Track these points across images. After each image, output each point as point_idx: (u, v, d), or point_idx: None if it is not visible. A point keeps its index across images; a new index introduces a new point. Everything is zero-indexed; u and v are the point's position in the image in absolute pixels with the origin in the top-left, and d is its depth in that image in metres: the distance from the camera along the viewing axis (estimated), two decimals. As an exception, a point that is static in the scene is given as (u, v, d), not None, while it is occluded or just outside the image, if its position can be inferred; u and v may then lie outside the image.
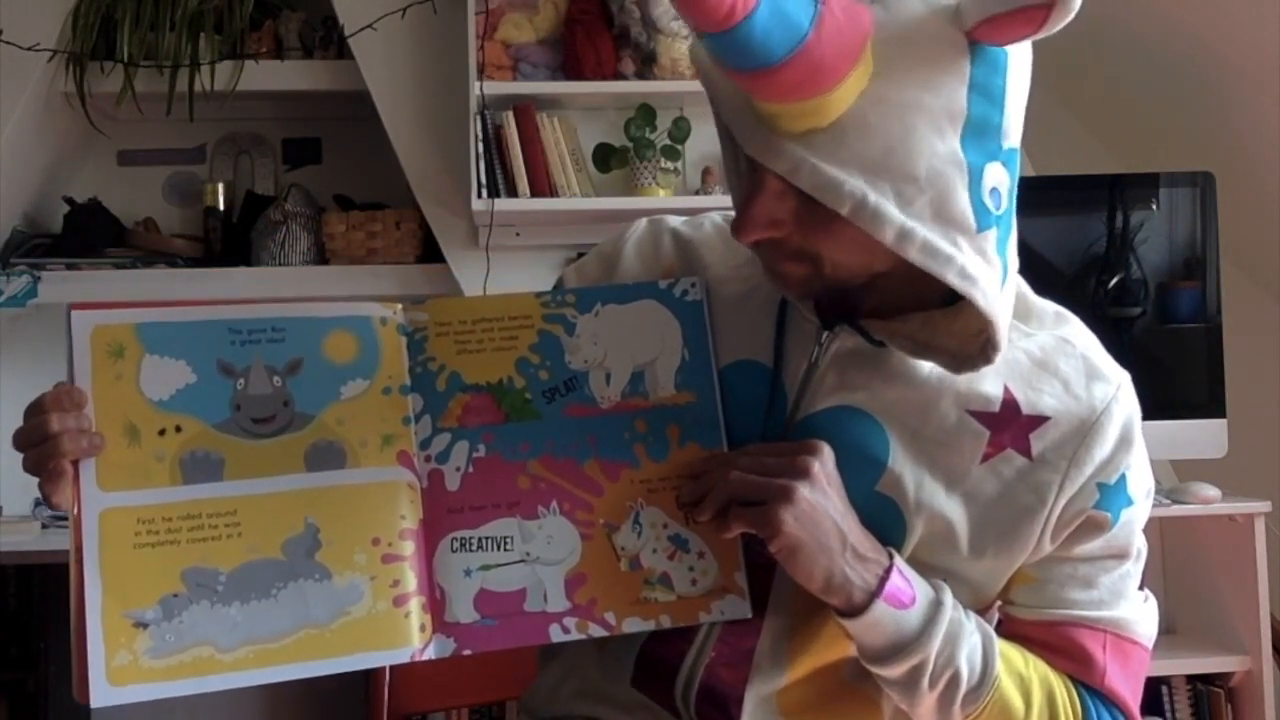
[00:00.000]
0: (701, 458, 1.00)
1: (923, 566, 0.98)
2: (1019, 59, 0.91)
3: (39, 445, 0.91)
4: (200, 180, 3.04)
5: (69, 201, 2.90)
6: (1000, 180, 0.90)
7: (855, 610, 0.93)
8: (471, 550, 0.97)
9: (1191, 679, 2.53)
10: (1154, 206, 2.54)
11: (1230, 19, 2.42)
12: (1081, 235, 2.55)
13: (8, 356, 2.84)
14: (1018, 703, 0.99)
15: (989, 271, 0.89)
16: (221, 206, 2.98)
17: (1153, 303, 2.54)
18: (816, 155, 0.85)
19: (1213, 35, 2.48)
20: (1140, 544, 1.03)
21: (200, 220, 3.00)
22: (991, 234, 0.89)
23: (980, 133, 0.88)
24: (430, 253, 2.86)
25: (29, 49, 2.66)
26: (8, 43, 2.66)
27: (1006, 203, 0.91)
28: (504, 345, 1.02)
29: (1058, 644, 1.02)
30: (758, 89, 0.84)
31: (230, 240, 2.94)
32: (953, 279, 0.87)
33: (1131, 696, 1.03)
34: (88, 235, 2.86)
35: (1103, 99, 2.90)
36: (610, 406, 1.01)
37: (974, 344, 0.94)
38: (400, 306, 1.02)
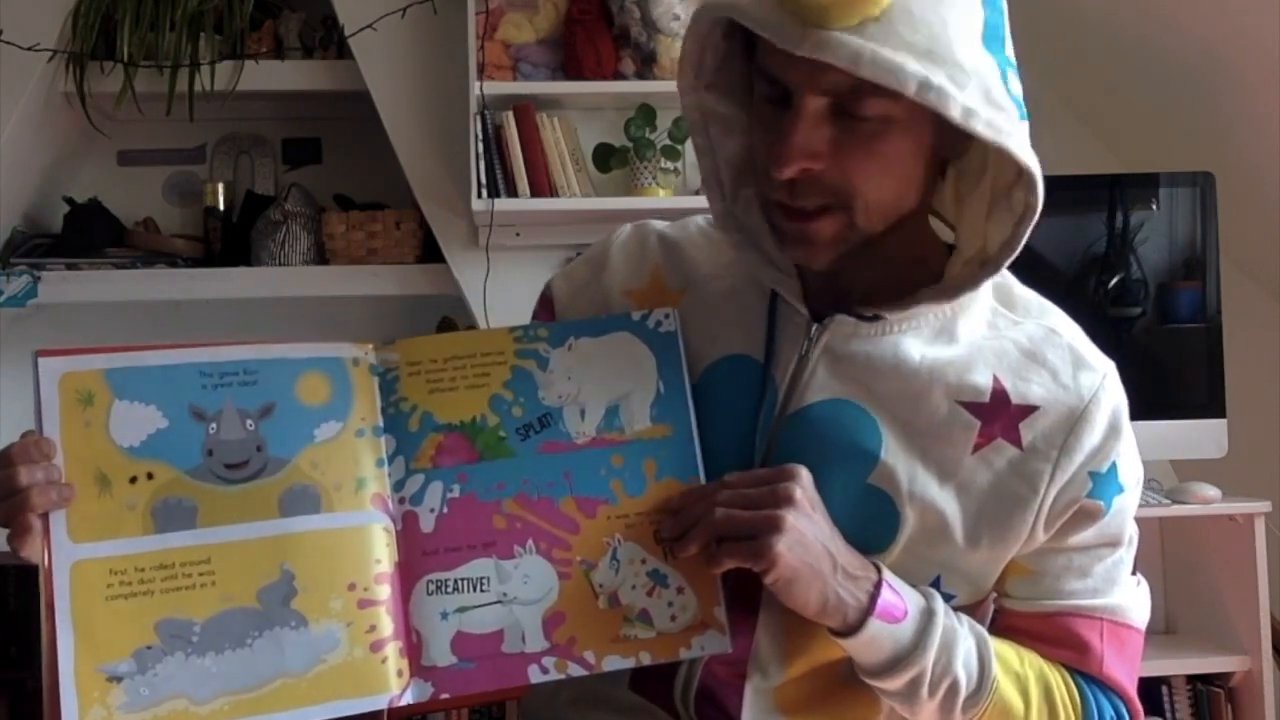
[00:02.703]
0: (680, 492, 0.99)
1: (919, 560, 0.98)
2: None
3: (7, 499, 0.90)
4: (200, 180, 3.04)
5: (69, 201, 2.90)
6: (1018, 88, 0.94)
7: (850, 629, 0.94)
8: (448, 592, 0.97)
9: (1191, 679, 2.52)
10: (1154, 206, 2.54)
11: (1230, 19, 2.41)
12: (1081, 235, 2.54)
13: (8, 356, 2.83)
14: (1017, 702, 0.99)
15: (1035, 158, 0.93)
16: (221, 206, 2.97)
17: (1153, 303, 2.53)
18: (874, 42, 0.87)
19: (1213, 35, 2.48)
20: (1132, 531, 1.04)
21: (200, 220, 3.00)
22: (1027, 126, 0.92)
23: (995, 38, 0.92)
24: (430, 253, 2.86)
25: (29, 49, 2.66)
26: (8, 43, 2.66)
27: (1026, 111, 0.94)
28: (476, 383, 1.01)
29: (1055, 634, 1.02)
30: None
31: (230, 240, 2.94)
32: (1018, 152, 0.90)
33: (1129, 681, 1.04)
34: (88, 235, 2.86)
35: (1103, 99, 2.90)
36: (585, 442, 1.00)
37: (1031, 210, 0.95)
38: (371, 346, 1.01)
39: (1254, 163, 2.60)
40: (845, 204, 0.94)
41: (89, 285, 2.83)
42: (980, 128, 0.88)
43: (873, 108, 0.90)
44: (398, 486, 0.98)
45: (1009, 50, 0.94)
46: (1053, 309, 1.07)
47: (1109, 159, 2.90)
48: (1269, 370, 2.84)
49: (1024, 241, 0.96)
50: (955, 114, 0.88)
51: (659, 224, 1.16)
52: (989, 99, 0.89)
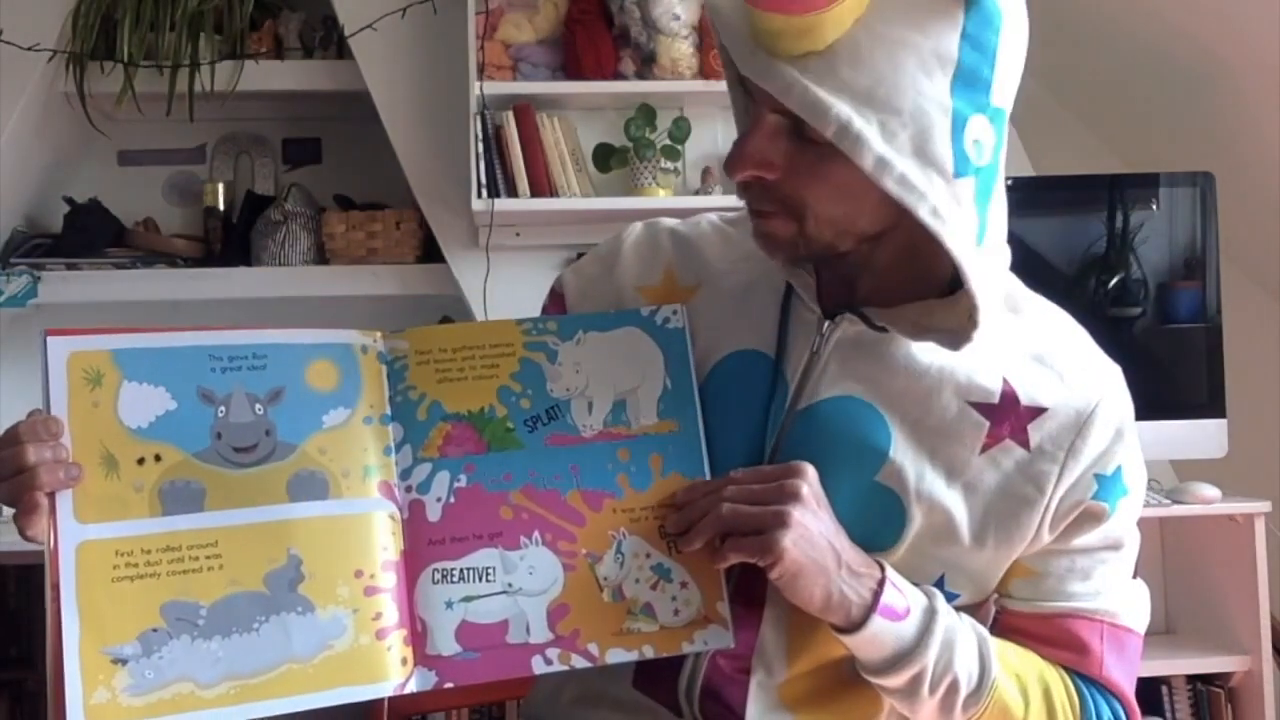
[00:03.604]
0: (685, 487, 0.99)
1: (924, 558, 0.99)
2: (1014, 24, 0.93)
3: (13, 478, 0.89)
4: (200, 180, 3.04)
5: (69, 201, 2.90)
6: (984, 135, 0.91)
7: (853, 626, 0.94)
8: (453, 582, 0.97)
9: (1191, 679, 2.52)
10: (1154, 206, 2.54)
11: (1230, 20, 2.42)
12: (1081, 235, 2.54)
13: (8, 356, 2.84)
14: (1017, 702, 0.99)
15: (962, 216, 0.90)
16: (221, 206, 2.98)
17: (1153, 303, 2.53)
18: (809, 78, 0.88)
19: (1212, 36, 2.48)
20: (1134, 535, 1.04)
21: (200, 220, 3.00)
22: (969, 182, 0.90)
23: (969, 82, 0.89)
24: (430, 253, 2.86)
25: (29, 49, 2.66)
26: (8, 43, 2.66)
27: (990, 159, 0.92)
28: (485, 374, 1.01)
29: (1055, 636, 1.03)
30: None
31: (230, 240, 2.94)
32: (924, 215, 0.88)
33: (1128, 684, 1.04)
34: (88, 235, 2.86)
35: (1103, 99, 2.90)
36: (592, 435, 1.00)
37: (971, 324, 0.94)
38: (380, 334, 1.01)
39: (1254, 163, 2.60)
40: (796, 215, 0.95)
41: (89, 285, 2.83)
42: (889, 183, 0.87)
43: (818, 135, 0.89)
44: (405, 475, 0.98)
45: (995, 94, 0.91)
46: (1058, 312, 1.07)
47: (1109, 159, 2.90)
48: (1269, 370, 2.84)
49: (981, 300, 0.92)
50: (867, 165, 0.87)
51: (670, 221, 1.16)
52: (919, 151, 0.88)
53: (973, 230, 0.91)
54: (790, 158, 0.92)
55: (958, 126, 0.89)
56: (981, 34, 0.90)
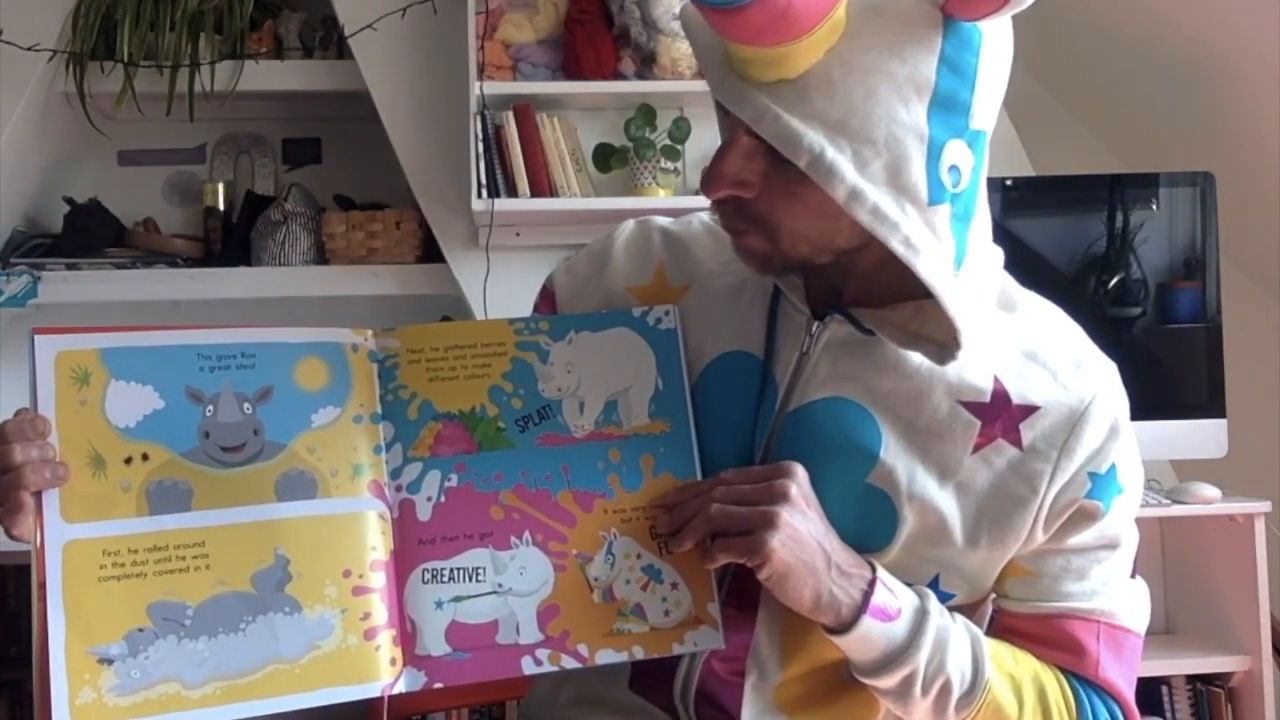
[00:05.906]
0: (676, 488, 0.99)
1: (918, 559, 0.99)
2: (995, 44, 0.91)
3: (0, 476, 0.89)
4: (200, 180, 3.04)
5: (69, 201, 2.90)
6: (962, 159, 0.90)
7: (844, 626, 0.94)
8: (443, 582, 0.97)
9: (1191, 679, 2.52)
10: (1154, 206, 2.54)
11: (1230, 19, 2.41)
12: (1081, 235, 2.54)
13: (8, 356, 2.83)
14: (1011, 703, 0.99)
15: (936, 245, 0.90)
16: (221, 206, 2.97)
17: (1153, 303, 2.53)
18: (781, 105, 0.87)
19: (1212, 36, 2.48)
20: (1132, 533, 1.03)
21: (200, 220, 2.99)
22: (943, 209, 0.90)
23: (947, 107, 0.89)
24: (430, 253, 2.86)
25: (29, 49, 2.66)
26: (8, 43, 2.65)
27: (967, 183, 0.91)
28: (477, 373, 1.01)
29: (1051, 636, 1.02)
30: (725, 26, 0.85)
31: (230, 240, 2.93)
32: (896, 245, 0.88)
33: (1126, 685, 1.04)
34: (88, 235, 2.86)
35: (1103, 99, 2.90)
36: (584, 435, 1.01)
37: (956, 343, 0.93)
38: (371, 333, 1.01)
39: (1254, 163, 2.60)
40: (770, 233, 0.95)
41: (89, 285, 2.83)
42: (863, 215, 0.87)
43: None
44: (395, 474, 0.98)
45: (975, 117, 0.91)
46: (1053, 309, 1.07)
47: (1109, 159, 2.90)
48: (1269, 370, 2.84)
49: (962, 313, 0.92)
50: (840, 197, 0.87)
51: (662, 220, 1.16)
52: (893, 180, 0.88)
53: (949, 256, 0.91)
54: (766, 178, 0.92)
55: (934, 153, 0.89)
56: (960, 57, 0.89)
